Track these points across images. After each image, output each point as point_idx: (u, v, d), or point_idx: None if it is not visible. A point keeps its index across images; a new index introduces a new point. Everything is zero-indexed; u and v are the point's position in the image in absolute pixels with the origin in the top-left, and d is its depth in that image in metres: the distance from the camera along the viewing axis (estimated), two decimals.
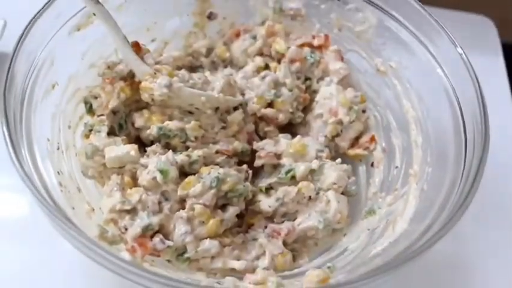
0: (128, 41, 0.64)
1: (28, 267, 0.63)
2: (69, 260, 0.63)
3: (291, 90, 0.71)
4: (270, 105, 0.70)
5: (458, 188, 0.56)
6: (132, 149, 0.62)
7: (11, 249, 0.65)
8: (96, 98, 0.66)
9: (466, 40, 0.62)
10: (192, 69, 0.74)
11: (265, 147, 0.67)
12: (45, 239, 0.62)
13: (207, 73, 0.71)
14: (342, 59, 0.73)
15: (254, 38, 0.74)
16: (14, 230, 0.66)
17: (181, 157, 0.62)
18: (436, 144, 0.64)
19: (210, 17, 0.74)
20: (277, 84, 0.71)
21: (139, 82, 0.65)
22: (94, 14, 0.62)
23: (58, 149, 0.62)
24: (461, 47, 0.62)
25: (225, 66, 0.75)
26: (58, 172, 0.59)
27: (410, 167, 0.66)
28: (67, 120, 0.65)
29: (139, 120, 0.66)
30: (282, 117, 0.70)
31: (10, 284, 0.62)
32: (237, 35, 0.74)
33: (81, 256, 0.50)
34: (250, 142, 0.69)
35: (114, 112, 0.66)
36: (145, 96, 0.63)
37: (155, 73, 0.63)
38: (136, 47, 0.65)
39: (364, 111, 0.71)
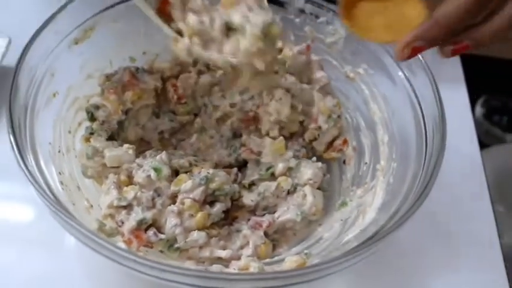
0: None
1: (35, 263, 0.65)
2: (72, 255, 0.65)
3: None
4: None
5: (419, 181, 0.59)
6: (129, 148, 0.65)
7: (20, 249, 0.66)
8: (97, 107, 0.67)
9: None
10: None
11: (250, 145, 0.69)
12: (50, 239, 0.65)
13: None
14: (322, 68, 0.74)
15: None
16: (21, 232, 0.68)
17: (174, 159, 0.65)
18: (400, 142, 0.67)
19: None
20: None
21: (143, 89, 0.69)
22: None
23: (59, 151, 0.64)
24: (421, 56, 0.64)
25: None
26: (59, 173, 0.61)
27: (378, 162, 0.68)
28: (67, 126, 0.67)
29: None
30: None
31: (20, 280, 0.64)
32: None
33: (83, 248, 0.52)
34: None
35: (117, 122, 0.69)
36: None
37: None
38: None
39: (339, 117, 0.72)
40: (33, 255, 0.65)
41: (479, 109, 1.53)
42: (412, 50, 0.52)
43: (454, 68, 0.90)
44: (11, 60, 0.70)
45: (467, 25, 0.51)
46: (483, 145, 0.87)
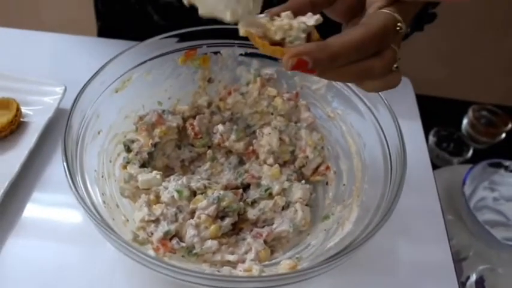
0: None
1: (81, 262, 0.64)
2: (112, 257, 0.64)
3: None
4: None
5: (386, 199, 0.58)
6: (157, 174, 0.65)
7: (69, 249, 0.66)
8: (132, 141, 0.68)
9: (390, 92, 0.63)
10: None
11: (252, 171, 0.69)
12: (94, 243, 0.64)
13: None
14: (309, 110, 0.74)
15: (241, 94, 0.75)
16: (71, 235, 0.67)
17: (192, 183, 0.65)
18: (371, 168, 0.66)
19: (210, 80, 0.76)
20: None
21: (168, 126, 0.69)
22: None
23: (102, 177, 0.64)
24: (385, 99, 0.65)
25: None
26: (102, 193, 0.61)
27: (353, 184, 0.68)
28: (108, 156, 0.67)
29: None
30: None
31: (68, 274, 0.63)
32: (229, 93, 0.76)
33: (120, 254, 0.52)
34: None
35: (148, 153, 0.68)
36: None
37: None
38: None
39: (322, 148, 0.72)
40: (82, 254, 0.65)
41: (431, 138, 1.55)
42: (297, 63, 0.42)
43: (411, 107, 0.90)
44: (66, 104, 0.70)
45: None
46: (435, 166, 0.88)
